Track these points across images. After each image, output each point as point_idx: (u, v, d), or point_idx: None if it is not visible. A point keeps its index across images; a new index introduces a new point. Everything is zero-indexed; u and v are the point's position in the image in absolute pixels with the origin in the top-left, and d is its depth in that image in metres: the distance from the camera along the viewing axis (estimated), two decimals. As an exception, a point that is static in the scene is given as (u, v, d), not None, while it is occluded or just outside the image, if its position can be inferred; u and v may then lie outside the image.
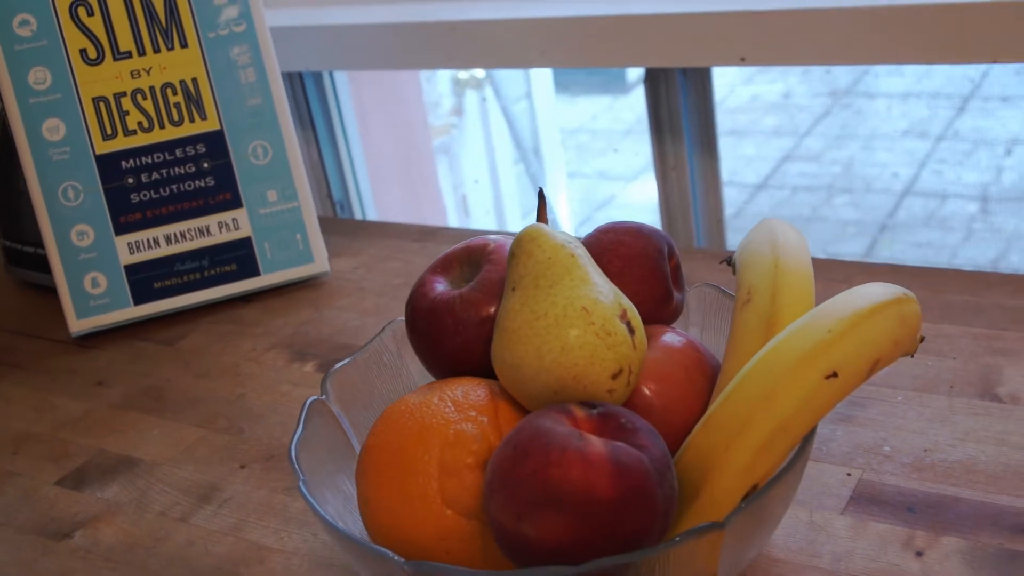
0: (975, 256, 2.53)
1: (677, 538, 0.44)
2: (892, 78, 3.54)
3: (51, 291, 0.96)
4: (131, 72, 0.86)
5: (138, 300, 0.87)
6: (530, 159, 2.25)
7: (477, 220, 2.03)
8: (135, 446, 0.72)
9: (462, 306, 0.55)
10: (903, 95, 3.48)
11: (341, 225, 1.03)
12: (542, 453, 0.45)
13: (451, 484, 0.49)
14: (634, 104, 3.77)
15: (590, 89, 3.94)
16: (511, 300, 0.51)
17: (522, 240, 0.51)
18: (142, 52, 0.86)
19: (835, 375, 0.47)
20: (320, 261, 0.90)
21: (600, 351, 0.49)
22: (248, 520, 0.63)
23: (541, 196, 0.54)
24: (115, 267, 0.86)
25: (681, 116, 1.01)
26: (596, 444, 0.45)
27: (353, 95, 1.28)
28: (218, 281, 0.88)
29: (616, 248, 0.57)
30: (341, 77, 1.25)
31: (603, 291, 0.50)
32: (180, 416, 0.75)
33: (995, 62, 0.80)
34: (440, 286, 0.57)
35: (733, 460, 0.47)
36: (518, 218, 2.25)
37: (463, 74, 2.15)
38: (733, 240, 1.09)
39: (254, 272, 0.89)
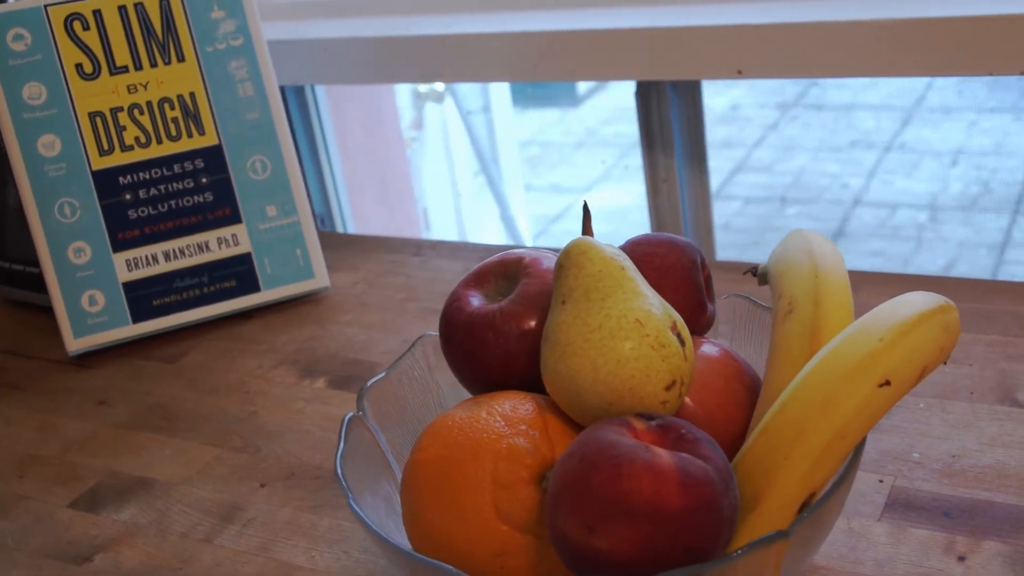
0: (926, 264, 2.58)
1: (744, 548, 0.44)
2: (838, 91, 3.60)
3: (39, 309, 0.94)
4: (128, 87, 0.84)
5: (137, 318, 0.85)
6: (491, 171, 2.25)
7: (438, 232, 2.03)
8: (148, 466, 0.71)
9: (502, 319, 0.55)
10: (848, 107, 3.54)
11: (333, 239, 1.02)
12: (611, 465, 0.45)
13: (505, 499, 0.49)
14: (584, 117, 3.80)
15: (540, 102, 3.96)
16: (561, 313, 0.51)
17: (571, 253, 0.51)
18: (139, 66, 0.84)
19: (888, 383, 0.48)
20: (321, 276, 0.89)
21: (655, 363, 0.49)
22: (276, 540, 0.62)
23: (586, 209, 0.54)
24: (113, 284, 0.85)
25: (672, 129, 1.02)
26: (663, 456, 0.45)
27: (331, 109, 1.27)
28: (218, 297, 0.87)
29: (651, 260, 0.58)
30: (320, 91, 1.25)
31: (653, 303, 0.51)
32: (191, 435, 0.74)
33: (990, 75, 0.82)
34: (476, 300, 0.57)
35: (795, 468, 0.47)
36: (479, 230, 2.24)
37: (423, 87, 2.14)
38: (723, 251, 1.10)
39: (254, 288, 0.88)
